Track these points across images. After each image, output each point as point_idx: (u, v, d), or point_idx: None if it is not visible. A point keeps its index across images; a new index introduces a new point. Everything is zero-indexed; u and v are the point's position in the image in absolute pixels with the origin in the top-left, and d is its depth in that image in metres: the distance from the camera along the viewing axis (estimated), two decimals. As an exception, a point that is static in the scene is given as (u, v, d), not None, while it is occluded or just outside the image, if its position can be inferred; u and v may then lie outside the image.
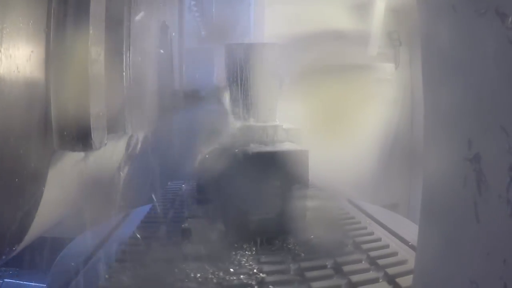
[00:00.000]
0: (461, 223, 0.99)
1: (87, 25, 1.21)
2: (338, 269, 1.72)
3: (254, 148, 2.15)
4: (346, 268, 1.72)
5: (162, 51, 2.28)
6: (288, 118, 2.84)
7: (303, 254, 1.91)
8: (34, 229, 1.26)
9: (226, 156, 2.02)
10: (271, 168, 1.99)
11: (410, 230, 2.15)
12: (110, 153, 1.50)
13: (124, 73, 1.60)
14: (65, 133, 1.21)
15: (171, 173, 3.33)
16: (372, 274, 1.74)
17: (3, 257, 1.19)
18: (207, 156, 2.05)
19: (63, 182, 1.42)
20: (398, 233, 2.19)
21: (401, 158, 5.53)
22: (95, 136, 1.25)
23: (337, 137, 4.84)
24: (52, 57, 1.15)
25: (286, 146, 2.22)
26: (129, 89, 1.63)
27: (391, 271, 1.74)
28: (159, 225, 2.42)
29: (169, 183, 3.40)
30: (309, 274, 1.70)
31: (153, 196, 2.69)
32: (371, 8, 5.03)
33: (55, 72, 1.16)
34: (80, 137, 1.24)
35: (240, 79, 2.47)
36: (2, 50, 0.92)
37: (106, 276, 1.72)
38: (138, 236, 2.19)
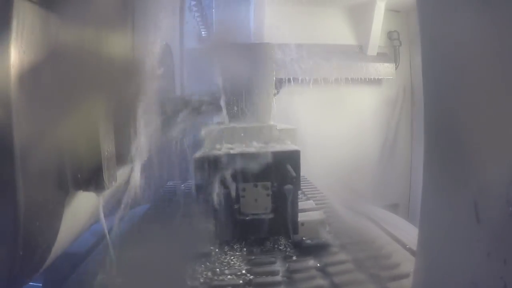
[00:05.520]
0: (461, 223, 0.99)
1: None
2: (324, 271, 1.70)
3: (247, 148, 2.14)
4: (332, 270, 1.70)
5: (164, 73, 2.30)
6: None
7: (294, 257, 1.88)
8: (50, 259, 1.34)
9: (218, 157, 2.00)
10: (262, 168, 1.98)
11: (408, 233, 2.12)
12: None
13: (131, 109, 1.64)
14: (79, 175, 1.28)
15: (171, 174, 3.38)
16: (358, 276, 1.66)
17: (23, 286, 1.26)
18: (199, 156, 2.03)
19: (76, 216, 1.49)
20: (395, 234, 2.16)
21: (401, 158, 5.53)
22: (106, 177, 1.31)
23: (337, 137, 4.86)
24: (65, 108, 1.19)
25: (278, 146, 2.21)
26: (134, 123, 1.67)
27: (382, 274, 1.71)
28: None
29: (169, 182, 3.43)
30: (298, 276, 1.68)
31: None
32: (371, 8, 5.03)
33: (66, 119, 1.20)
34: (93, 179, 1.29)
35: (236, 79, 2.47)
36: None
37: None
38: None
